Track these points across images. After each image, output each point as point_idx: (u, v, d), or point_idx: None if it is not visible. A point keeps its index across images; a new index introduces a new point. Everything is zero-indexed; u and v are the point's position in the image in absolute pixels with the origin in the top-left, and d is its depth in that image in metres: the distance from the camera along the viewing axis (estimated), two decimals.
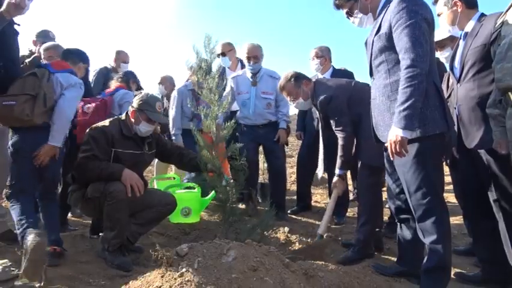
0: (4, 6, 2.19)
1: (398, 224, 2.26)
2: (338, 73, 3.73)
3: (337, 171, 2.73)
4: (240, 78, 3.73)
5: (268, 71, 3.79)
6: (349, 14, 2.16)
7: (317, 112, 2.88)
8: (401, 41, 1.80)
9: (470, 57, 2.05)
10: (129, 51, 4.64)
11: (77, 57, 2.88)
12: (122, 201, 2.37)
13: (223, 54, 3.97)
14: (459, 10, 2.14)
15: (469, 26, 2.14)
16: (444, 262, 1.89)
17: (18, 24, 2.58)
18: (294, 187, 4.70)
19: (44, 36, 3.51)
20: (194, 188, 3.39)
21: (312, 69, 3.85)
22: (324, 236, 2.72)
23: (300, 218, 3.69)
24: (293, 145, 8.04)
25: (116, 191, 2.36)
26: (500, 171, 1.96)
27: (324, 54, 3.76)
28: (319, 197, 4.75)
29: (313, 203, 4.23)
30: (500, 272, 2.10)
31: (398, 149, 1.76)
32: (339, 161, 2.68)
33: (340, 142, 2.62)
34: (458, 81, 2.16)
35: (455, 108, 2.16)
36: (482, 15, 2.12)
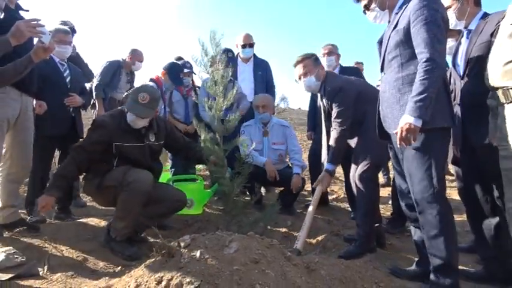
0: (33, 49, 2.20)
1: (412, 226, 2.24)
2: (345, 70, 3.73)
3: (326, 165, 2.73)
4: (251, 129, 3.69)
5: (279, 121, 3.83)
6: (367, 7, 2.20)
7: (322, 101, 2.87)
8: (420, 36, 1.83)
9: (475, 53, 2.07)
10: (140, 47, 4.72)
11: None
12: (139, 192, 2.37)
13: (250, 45, 4.06)
14: (468, 6, 2.19)
15: (473, 24, 2.20)
16: (449, 257, 1.87)
17: (27, 10, 2.60)
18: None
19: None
20: (197, 180, 3.40)
21: (325, 65, 3.83)
22: (301, 251, 2.43)
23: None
24: (303, 145, 8.03)
25: (135, 182, 2.36)
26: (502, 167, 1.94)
27: (336, 51, 3.82)
28: (338, 190, 4.73)
29: (331, 198, 4.24)
30: (502, 270, 2.10)
31: (407, 136, 1.78)
32: (329, 155, 2.69)
33: (334, 134, 2.64)
34: (462, 77, 2.18)
35: (458, 104, 2.17)
36: (486, 14, 2.17)
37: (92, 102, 4.00)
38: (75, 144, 2.59)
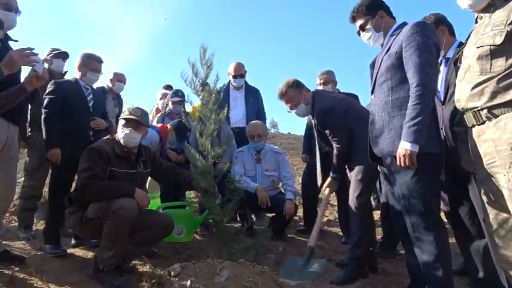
0: (26, 78, 2.23)
1: (404, 247, 2.24)
2: None
3: (331, 174, 2.81)
4: (244, 155, 3.74)
5: (271, 148, 3.91)
6: (363, 28, 2.25)
7: (314, 120, 2.90)
8: (412, 61, 1.89)
9: (455, 80, 2.12)
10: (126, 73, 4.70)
11: None
12: (125, 220, 2.34)
13: (241, 75, 4.18)
14: (444, 36, 2.33)
15: (450, 53, 2.32)
16: (445, 285, 1.88)
17: (16, 41, 2.63)
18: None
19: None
20: (186, 207, 3.38)
21: None
22: (314, 248, 2.70)
23: (296, 237, 3.66)
24: (294, 169, 8.05)
25: (120, 210, 2.33)
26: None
27: (333, 79, 3.87)
28: (329, 215, 4.72)
29: (323, 221, 4.22)
30: None
31: (407, 162, 1.81)
32: (333, 167, 2.77)
33: (335, 152, 2.69)
34: (443, 103, 2.26)
35: (441, 129, 2.22)
36: (461, 43, 2.29)
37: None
38: (85, 175, 2.47)
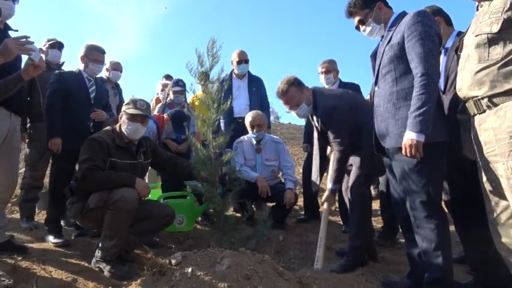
0: (23, 67, 2.20)
1: (405, 237, 2.25)
2: (345, 86, 3.74)
3: (329, 185, 2.72)
4: (245, 144, 3.73)
5: (271, 137, 3.88)
6: (362, 22, 2.20)
7: (313, 121, 2.86)
8: (415, 51, 1.86)
9: (454, 68, 2.14)
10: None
11: None
12: (125, 210, 2.35)
13: (245, 61, 4.15)
14: (441, 27, 2.27)
15: (449, 42, 2.30)
16: (445, 273, 1.89)
17: (16, 30, 2.61)
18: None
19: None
20: (187, 197, 3.39)
21: (322, 83, 3.87)
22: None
23: (296, 226, 3.68)
24: (294, 159, 8.07)
25: (121, 200, 2.34)
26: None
27: (335, 68, 3.83)
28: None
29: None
30: (492, 280, 2.11)
31: (413, 152, 1.80)
32: (333, 176, 2.65)
33: (336, 155, 2.60)
34: (444, 92, 2.25)
35: None
36: (460, 32, 2.29)
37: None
38: (86, 166, 2.47)
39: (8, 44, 2.04)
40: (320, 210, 4.16)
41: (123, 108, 2.69)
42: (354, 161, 2.66)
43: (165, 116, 3.73)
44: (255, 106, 4.02)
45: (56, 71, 3.06)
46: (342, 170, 2.63)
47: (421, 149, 1.80)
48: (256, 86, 4.23)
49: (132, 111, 2.62)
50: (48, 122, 2.91)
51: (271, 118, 4.47)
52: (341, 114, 2.53)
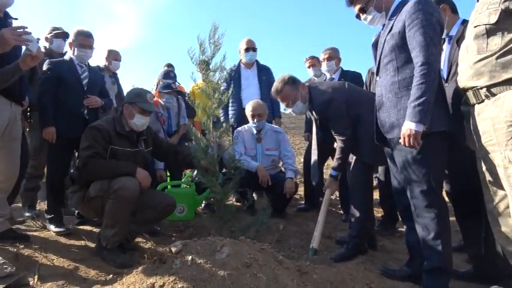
0: (21, 57, 2.18)
1: (405, 226, 2.26)
2: (347, 74, 3.75)
3: (331, 171, 2.72)
4: (245, 134, 3.71)
5: (272, 127, 3.84)
6: (363, 10, 2.18)
7: (312, 115, 2.85)
8: (416, 40, 1.84)
9: (458, 57, 2.10)
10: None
11: None
12: (126, 199, 2.36)
13: (253, 49, 4.11)
14: (446, 15, 2.28)
15: (454, 30, 2.28)
16: (444, 261, 1.90)
17: (16, 18, 2.58)
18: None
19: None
20: (188, 186, 3.40)
21: (325, 70, 3.88)
22: (317, 250, 2.50)
23: (296, 215, 3.70)
24: (295, 149, 8.07)
25: (121, 189, 2.34)
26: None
27: (337, 55, 3.80)
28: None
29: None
30: (491, 268, 2.13)
31: (412, 142, 1.79)
32: (335, 163, 2.65)
33: (340, 144, 2.60)
34: (446, 80, 2.24)
35: None
36: (465, 20, 2.25)
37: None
38: (87, 153, 2.47)
39: (4, 34, 2.02)
40: (320, 198, 4.18)
41: (134, 99, 2.65)
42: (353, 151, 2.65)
43: (155, 92, 3.67)
44: (266, 95, 3.97)
45: (47, 60, 3.01)
46: (344, 159, 2.63)
47: (419, 139, 1.79)
48: (265, 75, 4.19)
49: (146, 106, 2.62)
50: (41, 111, 2.89)
51: (281, 108, 4.41)
52: (337, 106, 2.54)
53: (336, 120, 2.57)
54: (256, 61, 4.23)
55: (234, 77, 4.10)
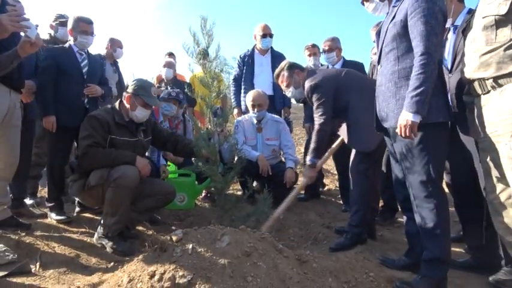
0: (19, 44, 2.14)
1: (405, 216, 2.26)
2: (348, 64, 3.71)
3: (307, 159, 2.72)
4: (246, 123, 3.69)
5: (272, 117, 3.80)
6: None
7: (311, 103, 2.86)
8: (417, 29, 1.81)
9: (463, 48, 2.08)
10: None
11: None
12: (126, 188, 2.37)
13: (270, 35, 4.07)
14: (452, 4, 2.25)
15: (459, 20, 2.25)
16: (443, 252, 1.91)
17: (14, 5, 2.54)
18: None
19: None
20: (189, 175, 3.40)
21: (325, 61, 3.85)
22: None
23: (296, 205, 3.69)
24: (295, 139, 8.06)
25: (121, 177, 2.35)
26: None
27: (337, 46, 3.77)
28: (330, 183, 4.76)
29: (324, 190, 4.33)
30: (489, 259, 2.14)
31: (408, 133, 1.78)
32: (311, 148, 2.66)
33: (315, 127, 2.61)
34: (450, 71, 2.21)
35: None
36: (471, 10, 2.21)
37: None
38: (87, 143, 2.46)
39: (1, 20, 1.98)
40: (320, 189, 4.19)
41: (138, 92, 2.62)
42: (348, 141, 2.65)
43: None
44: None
45: (45, 47, 2.98)
46: (320, 143, 2.62)
47: (415, 130, 1.78)
48: (279, 62, 4.14)
49: (150, 101, 2.61)
50: (40, 100, 2.88)
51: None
52: (321, 91, 2.58)
53: (317, 102, 2.60)
54: (271, 48, 4.18)
55: (247, 63, 4.07)
